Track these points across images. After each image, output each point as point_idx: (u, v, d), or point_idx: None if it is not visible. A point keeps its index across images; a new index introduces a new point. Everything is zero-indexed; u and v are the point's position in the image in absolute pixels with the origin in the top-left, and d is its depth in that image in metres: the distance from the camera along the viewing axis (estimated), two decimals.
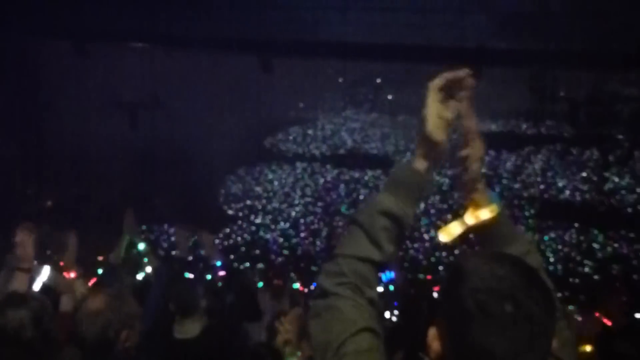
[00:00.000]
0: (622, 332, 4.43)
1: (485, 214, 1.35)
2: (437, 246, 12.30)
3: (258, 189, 16.68)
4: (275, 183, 16.93)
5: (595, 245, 13.54)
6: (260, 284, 7.29)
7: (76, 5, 9.18)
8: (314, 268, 11.33)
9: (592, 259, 13.12)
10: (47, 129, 12.81)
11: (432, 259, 10.83)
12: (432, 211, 14.06)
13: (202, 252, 7.37)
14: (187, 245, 6.07)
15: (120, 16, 9.43)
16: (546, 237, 13.78)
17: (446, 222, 1.41)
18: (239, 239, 14.78)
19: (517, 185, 15.73)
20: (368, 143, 18.03)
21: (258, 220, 15.58)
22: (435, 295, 6.52)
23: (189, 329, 3.21)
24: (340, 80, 17.79)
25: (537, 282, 1.05)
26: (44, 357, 2.26)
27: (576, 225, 14.09)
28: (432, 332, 1.11)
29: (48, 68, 11.59)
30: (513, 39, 9.76)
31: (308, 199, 16.31)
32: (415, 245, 12.99)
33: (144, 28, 9.85)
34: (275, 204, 16.18)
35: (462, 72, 1.29)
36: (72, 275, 2.94)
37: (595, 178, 15.33)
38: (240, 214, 15.80)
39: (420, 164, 1.32)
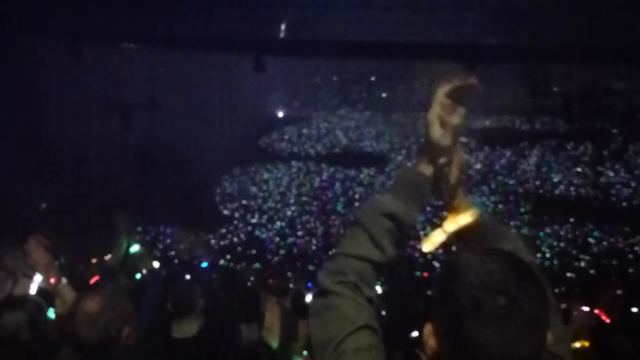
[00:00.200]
0: (617, 327, 4.46)
1: (464, 218, 1.36)
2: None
3: (253, 188, 16.67)
4: (271, 182, 16.92)
5: (591, 240, 13.59)
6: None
7: (71, 7, 9.15)
8: (311, 267, 11.31)
9: (587, 253, 13.15)
10: (43, 130, 12.76)
11: (428, 257, 10.82)
12: (428, 208, 14.05)
13: (197, 253, 7.39)
14: (187, 247, 6.10)
15: (115, 18, 9.42)
16: (542, 233, 13.81)
17: (442, 219, 1.40)
18: (235, 239, 14.73)
19: (512, 181, 15.78)
20: (363, 141, 18.03)
21: (254, 220, 15.57)
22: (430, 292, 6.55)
23: (187, 328, 3.21)
24: (335, 78, 17.81)
25: (530, 276, 1.05)
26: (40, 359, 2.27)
27: (571, 220, 14.13)
28: (428, 329, 1.12)
29: (43, 69, 11.55)
30: (506, 35, 9.78)
31: (304, 198, 16.29)
32: (411, 242, 12.96)
33: (138, 29, 9.83)
34: (271, 204, 16.17)
35: (473, 80, 1.27)
36: (52, 281, 2.93)
37: (590, 173, 15.40)
38: (236, 213, 15.77)
39: (426, 168, 1.31)
